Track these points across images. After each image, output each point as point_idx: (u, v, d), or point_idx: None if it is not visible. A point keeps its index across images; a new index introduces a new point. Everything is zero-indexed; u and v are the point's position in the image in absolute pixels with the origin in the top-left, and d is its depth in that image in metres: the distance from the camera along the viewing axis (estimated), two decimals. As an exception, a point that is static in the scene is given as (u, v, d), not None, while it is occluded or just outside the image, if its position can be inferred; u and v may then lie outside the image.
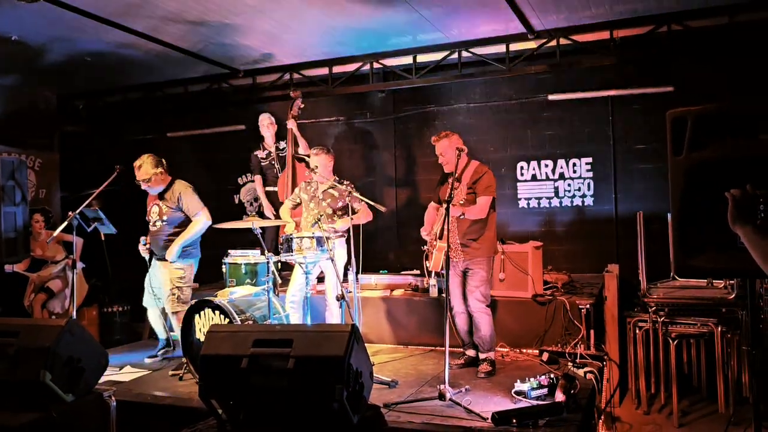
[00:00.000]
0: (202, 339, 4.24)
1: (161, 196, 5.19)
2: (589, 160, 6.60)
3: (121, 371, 4.88)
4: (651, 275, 5.34)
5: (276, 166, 6.65)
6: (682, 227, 2.81)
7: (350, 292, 4.39)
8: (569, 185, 6.65)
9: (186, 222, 5.11)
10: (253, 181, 7.98)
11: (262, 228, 4.34)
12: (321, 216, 4.39)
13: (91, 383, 3.37)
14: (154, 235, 5.19)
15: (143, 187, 5.13)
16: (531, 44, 6.41)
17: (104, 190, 5.12)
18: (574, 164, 6.64)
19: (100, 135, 8.50)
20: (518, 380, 3.73)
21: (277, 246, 4.37)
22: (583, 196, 6.61)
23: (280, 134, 6.82)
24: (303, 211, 5.04)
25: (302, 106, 6.53)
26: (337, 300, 3.78)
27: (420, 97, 7.28)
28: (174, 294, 4.99)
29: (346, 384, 2.55)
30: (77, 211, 4.71)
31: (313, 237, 4.20)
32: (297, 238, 4.22)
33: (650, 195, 6.27)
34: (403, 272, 6.53)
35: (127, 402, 3.87)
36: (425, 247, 4.70)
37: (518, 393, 3.72)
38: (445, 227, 3.92)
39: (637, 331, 4.95)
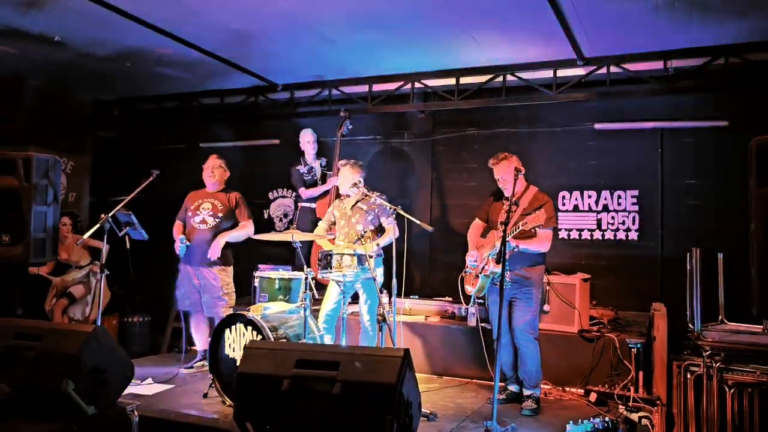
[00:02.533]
0: (231, 355, 4.04)
1: (216, 193, 5.39)
2: (635, 192, 6.34)
3: (143, 383, 4.67)
4: (693, 317, 5.04)
5: (319, 183, 6.58)
6: (765, 264, 2.54)
7: (390, 314, 4.15)
8: (613, 218, 6.38)
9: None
10: (284, 197, 7.88)
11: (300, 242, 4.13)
12: (363, 233, 4.18)
13: (114, 396, 3.17)
14: (201, 234, 5.24)
15: (204, 176, 5.42)
16: (579, 70, 6.20)
17: (133, 197, 5.00)
18: (619, 196, 6.38)
19: (132, 142, 8.43)
20: (570, 422, 3.45)
21: (309, 263, 4.19)
22: (627, 230, 6.33)
23: (320, 151, 6.70)
24: (337, 230, 4.84)
25: (350, 127, 6.53)
26: (379, 322, 3.55)
27: (461, 120, 7.09)
28: (225, 300, 5.11)
29: (397, 415, 2.32)
30: (110, 214, 4.56)
31: (354, 254, 3.98)
32: (337, 254, 4.01)
33: (699, 233, 5.97)
34: (435, 298, 6.29)
35: (149, 418, 3.65)
36: (467, 271, 4.46)
37: (571, 436, 3.43)
38: (504, 250, 3.65)
39: (688, 376, 4.62)
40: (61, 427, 2.82)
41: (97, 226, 4.49)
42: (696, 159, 6.10)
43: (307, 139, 6.68)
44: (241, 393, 2.54)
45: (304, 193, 6.59)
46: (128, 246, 7.06)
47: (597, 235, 6.42)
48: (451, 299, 6.35)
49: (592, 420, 3.42)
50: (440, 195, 7.19)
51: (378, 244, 4.39)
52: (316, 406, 2.39)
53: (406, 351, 2.44)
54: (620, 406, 4.07)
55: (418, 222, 4.12)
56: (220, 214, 5.30)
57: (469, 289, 4.43)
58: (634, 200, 6.33)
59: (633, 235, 6.31)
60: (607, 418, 3.45)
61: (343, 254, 4.00)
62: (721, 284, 5.24)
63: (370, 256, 3.96)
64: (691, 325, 4.99)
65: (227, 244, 5.34)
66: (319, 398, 2.39)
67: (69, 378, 2.89)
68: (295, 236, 4.03)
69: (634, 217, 6.31)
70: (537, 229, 3.97)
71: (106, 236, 4.58)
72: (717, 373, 4.45)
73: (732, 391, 4.42)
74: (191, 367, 5.28)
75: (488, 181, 6.89)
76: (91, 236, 4.74)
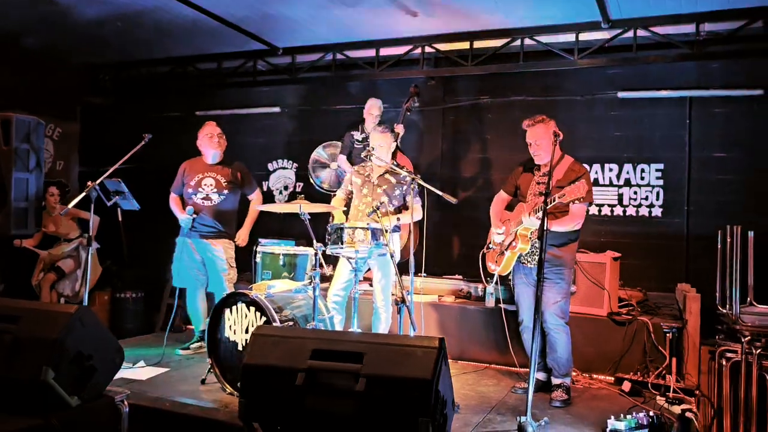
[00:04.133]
0: (232, 337, 3.68)
1: (216, 167, 5.10)
2: (660, 166, 5.95)
3: (135, 367, 4.30)
4: (725, 299, 4.71)
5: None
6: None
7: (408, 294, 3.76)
8: (635, 193, 6.01)
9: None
10: (284, 168, 7.48)
11: (310, 214, 3.73)
12: (380, 204, 3.79)
13: (101, 385, 2.81)
14: (204, 211, 4.99)
15: (206, 144, 5.10)
16: (604, 34, 5.76)
17: (124, 166, 4.58)
18: (643, 170, 6.00)
19: (124, 109, 7.95)
20: (612, 417, 3.10)
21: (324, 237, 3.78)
22: (651, 206, 5.96)
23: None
24: (354, 199, 4.43)
25: (417, 104, 6.13)
26: (396, 304, 3.18)
27: (474, 87, 6.68)
28: (230, 274, 4.90)
29: (432, 417, 1.96)
30: (97, 182, 4.15)
31: (368, 228, 3.60)
32: (349, 228, 3.62)
33: (728, 209, 5.61)
34: (444, 276, 5.94)
35: (141, 407, 3.29)
36: (490, 247, 4.08)
37: (615, 432, 3.09)
38: (544, 223, 3.24)
39: (724, 363, 4.29)
40: (40, 422, 2.46)
41: (83, 194, 4.08)
42: (727, 130, 5.72)
43: (374, 112, 6.05)
44: (248, 388, 2.17)
45: (343, 162, 6.09)
46: (120, 218, 6.75)
47: (618, 211, 6.06)
48: (461, 277, 6.01)
49: (635, 414, 3.08)
50: (450, 167, 6.80)
51: (399, 219, 4.01)
52: (335, 404, 2.03)
53: (441, 340, 2.07)
54: (658, 397, 3.74)
55: (441, 193, 3.72)
56: (226, 191, 5.04)
57: (493, 267, 4.05)
58: (659, 174, 5.95)
59: (657, 212, 5.95)
60: (651, 413, 3.11)
61: (356, 228, 3.61)
62: (751, 264, 4.89)
63: (387, 231, 3.56)
64: (721, 308, 4.65)
65: (234, 215, 5.15)
66: (339, 396, 2.03)
67: (49, 366, 2.53)
68: (303, 206, 3.63)
69: (658, 192, 5.94)
70: (571, 203, 3.58)
71: (93, 206, 4.16)
72: (757, 360, 4.13)
73: (774, 379, 4.10)
74: (187, 348, 4.96)
75: (503, 152, 6.57)
76: (76, 206, 4.33)
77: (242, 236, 5.12)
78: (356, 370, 2.03)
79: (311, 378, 2.07)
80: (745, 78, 5.61)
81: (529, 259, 3.92)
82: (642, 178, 5.99)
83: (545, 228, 3.20)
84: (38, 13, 5.88)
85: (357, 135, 6.05)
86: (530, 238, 3.83)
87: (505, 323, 4.20)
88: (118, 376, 3.73)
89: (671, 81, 5.87)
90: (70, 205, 4.21)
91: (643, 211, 5.98)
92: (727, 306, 4.61)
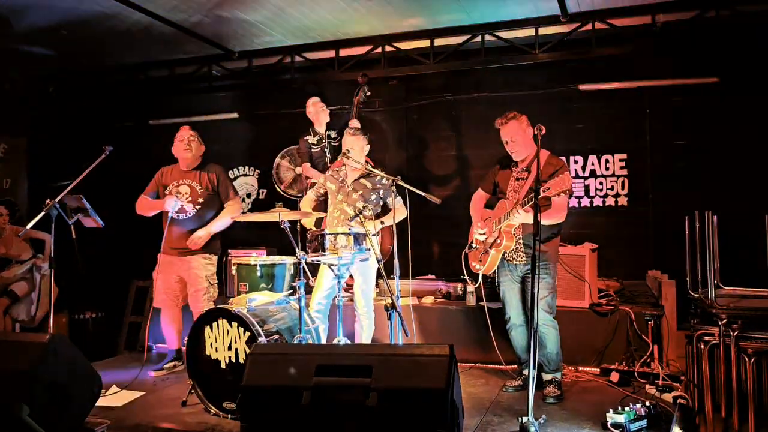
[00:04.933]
0: (213, 355, 3.51)
1: (192, 173, 4.75)
2: (623, 156, 6.04)
3: (108, 393, 4.06)
4: (696, 284, 4.80)
5: (327, 156, 5.83)
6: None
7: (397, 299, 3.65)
8: (601, 183, 6.08)
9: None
10: (246, 175, 7.29)
11: (290, 222, 3.59)
12: (363, 208, 3.68)
13: (79, 416, 2.62)
14: (180, 223, 4.62)
15: (177, 149, 4.76)
16: (563, 28, 5.81)
17: (72, 181, 4.32)
18: (607, 161, 6.08)
19: (74, 121, 7.59)
20: (610, 410, 3.09)
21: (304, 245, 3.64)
22: (617, 195, 6.04)
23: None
24: (329, 205, 4.30)
25: (369, 93, 5.83)
26: (387, 310, 3.09)
27: (436, 86, 6.63)
28: (209, 292, 4.56)
29: (449, 428, 1.88)
30: (57, 199, 3.89)
31: (350, 234, 3.49)
32: (330, 235, 3.50)
33: (690, 195, 5.72)
34: (418, 277, 5.88)
35: (121, 436, 3.10)
36: (473, 247, 4.03)
37: (616, 426, 3.08)
38: (538, 218, 3.19)
39: (702, 347, 4.35)
40: (17, 462, 2.27)
41: (42, 213, 3.82)
42: (685, 119, 5.83)
43: (317, 108, 5.89)
44: (249, 411, 2.04)
45: (307, 170, 5.84)
46: (74, 235, 6.42)
47: (585, 202, 6.12)
48: (434, 277, 5.96)
49: (632, 406, 3.07)
50: (417, 167, 6.74)
51: (382, 222, 3.91)
52: (346, 422, 1.93)
53: (451, 348, 1.99)
54: (647, 386, 3.76)
55: (423, 194, 3.64)
56: (201, 199, 4.67)
57: (477, 267, 3.99)
58: (623, 164, 6.04)
59: (623, 201, 6.03)
60: (647, 403, 3.11)
61: (338, 234, 3.49)
62: (716, 248, 5.00)
63: (373, 234, 3.46)
64: (693, 293, 4.73)
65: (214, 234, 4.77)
66: (350, 413, 1.93)
67: (22, 400, 2.33)
68: (282, 214, 3.49)
69: (623, 182, 6.03)
70: (554, 197, 3.56)
71: (53, 225, 3.91)
72: (735, 341, 4.20)
73: (752, 360, 4.17)
74: (161, 369, 4.71)
75: (470, 149, 6.55)
76: (34, 227, 4.07)
77: (197, 236, 4.56)
78: (366, 384, 1.93)
79: (318, 396, 1.96)
80: (700, 68, 5.72)
81: (515, 256, 3.89)
82: (607, 169, 6.06)
83: (539, 222, 3.15)
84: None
85: (310, 138, 5.93)
86: (514, 234, 3.80)
87: (489, 321, 4.15)
88: (91, 403, 3.54)
89: (629, 72, 5.95)
90: (29, 226, 3.94)
91: (610, 201, 6.06)
92: (700, 290, 4.69)
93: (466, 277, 4.13)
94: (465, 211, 6.44)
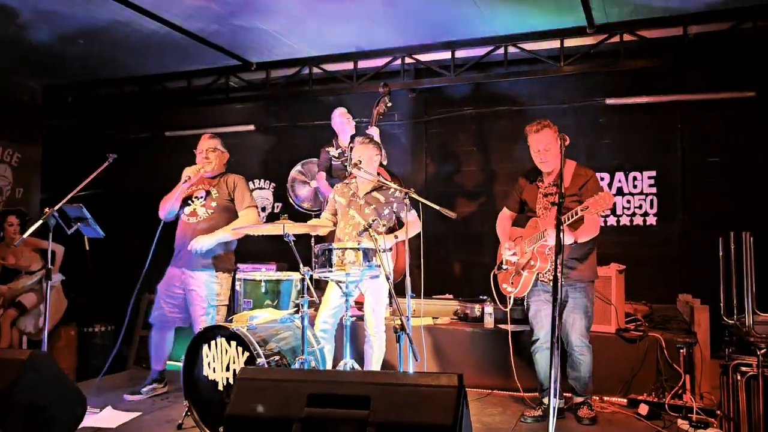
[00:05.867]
0: (211, 376, 3.31)
1: (213, 180, 4.45)
2: (652, 173, 5.76)
3: (101, 413, 3.86)
4: (731, 309, 4.49)
5: (348, 170, 5.63)
6: None
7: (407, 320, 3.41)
8: (629, 202, 5.80)
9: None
10: (261, 188, 7.15)
11: (295, 235, 3.39)
12: (372, 221, 3.47)
13: (61, 441, 2.43)
14: (189, 230, 4.28)
15: (199, 160, 4.40)
16: (589, 40, 5.58)
17: (90, 192, 4.19)
18: (635, 178, 5.80)
19: (90, 132, 7.54)
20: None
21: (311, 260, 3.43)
22: (645, 214, 5.75)
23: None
24: (339, 221, 4.10)
25: (390, 104, 5.52)
26: (396, 332, 2.86)
27: (457, 98, 6.44)
28: (209, 314, 4.13)
29: (456, 470, 1.64)
30: (56, 208, 3.74)
31: (359, 249, 3.27)
32: (338, 249, 3.29)
33: (725, 215, 5.41)
34: (434, 296, 5.65)
35: (110, 462, 2.90)
36: (504, 268, 3.79)
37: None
38: (561, 239, 2.95)
39: (739, 377, 4.03)
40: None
41: (40, 222, 3.67)
42: (719, 135, 5.55)
43: (343, 119, 5.62)
44: (233, 444, 1.83)
45: (320, 180, 5.61)
46: (87, 247, 6.33)
47: (611, 221, 5.83)
48: (451, 296, 5.73)
49: (665, 444, 2.80)
50: (436, 182, 6.53)
51: (396, 236, 3.70)
52: (340, 460, 1.70)
53: (460, 378, 1.76)
54: (680, 421, 3.46)
55: (438, 207, 3.42)
56: (214, 204, 4.32)
57: (509, 290, 3.75)
58: (652, 182, 5.76)
59: (651, 220, 5.74)
60: (681, 441, 2.83)
61: (346, 248, 3.29)
62: (752, 271, 4.68)
63: (383, 250, 3.25)
64: (727, 319, 4.42)
65: (227, 247, 4.37)
66: (344, 449, 1.70)
67: (-4, 423, 2.15)
68: (287, 227, 3.30)
69: (652, 201, 5.74)
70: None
71: (51, 235, 3.77)
72: (775, 373, 3.88)
73: (795, 394, 3.85)
74: (139, 393, 4.37)
75: (492, 165, 6.33)
76: (39, 236, 3.93)
77: (199, 239, 4.15)
78: (363, 418, 1.71)
79: (309, 429, 1.74)
80: (736, 80, 5.46)
81: (550, 277, 3.65)
82: (635, 186, 5.79)
83: (560, 238, 2.91)
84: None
85: (332, 151, 5.74)
86: (548, 255, 3.57)
87: (510, 346, 3.90)
88: (84, 424, 3.36)
89: (659, 86, 5.70)
90: (26, 235, 3.81)
91: (638, 220, 5.77)
92: (736, 316, 4.38)
93: (496, 299, 3.89)
94: (489, 229, 6.17)
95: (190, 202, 4.37)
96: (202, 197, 4.36)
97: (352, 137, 5.68)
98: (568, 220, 3.33)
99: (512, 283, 3.74)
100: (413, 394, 1.73)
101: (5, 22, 5.29)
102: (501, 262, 3.92)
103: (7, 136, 6.71)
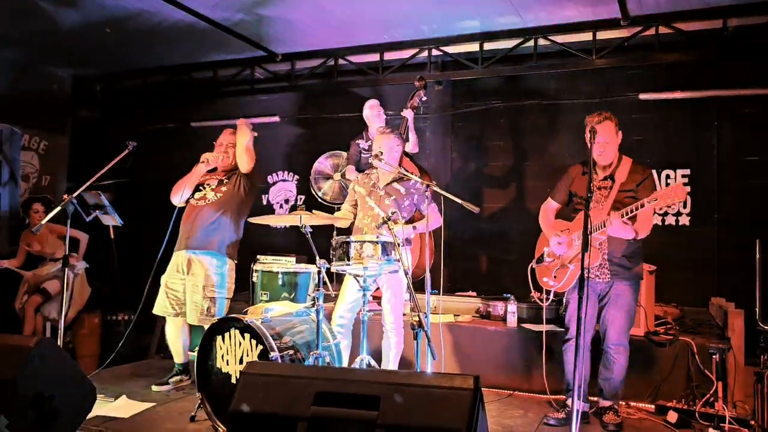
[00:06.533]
0: (224, 369, 3.26)
1: (228, 173, 4.39)
2: (686, 172, 5.55)
3: (116, 402, 3.84)
4: (765, 314, 4.29)
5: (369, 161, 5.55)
6: None
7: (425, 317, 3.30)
8: (661, 201, 5.59)
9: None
10: (285, 180, 7.10)
11: (316, 227, 3.31)
12: (392, 214, 3.37)
13: (68, 431, 2.39)
14: (197, 212, 4.21)
15: (221, 153, 4.34)
16: (623, 32, 5.39)
17: (116, 180, 4.17)
18: (668, 176, 5.60)
19: (116, 121, 7.58)
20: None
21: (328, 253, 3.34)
22: (678, 214, 5.55)
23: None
24: (358, 211, 4.01)
25: (425, 98, 5.41)
26: (413, 329, 2.76)
27: (484, 92, 6.30)
28: (205, 305, 4.05)
29: (469, 478, 1.54)
30: (74, 195, 3.72)
31: (377, 242, 3.18)
32: (356, 242, 3.20)
33: (761, 217, 5.19)
34: (456, 293, 5.54)
35: (120, 453, 2.86)
36: (546, 260, 3.68)
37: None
38: (587, 233, 2.86)
39: (774, 387, 3.85)
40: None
41: (58, 209, 3.66)
42: (758, 132, 5.31)
43: (374, 112, 5.50)
44: (236, 441, 1.75)
45: (351, 173, 5.51)
46: (112, 235, 6.35)
47: (642, 220, 5.63)
48: (474, 294, 5.60)
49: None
50: (461, 177, 6.39)
51: (414, 227, 3.59)
52: (346, 463, 1.61)
53: (476, 380, 1.66)
54: (711, 430, 3.30)
55: (461, 201, 3.31)
56: (224, 188, 4.28)
57: (551, 283, 3.64)
58: (686, 180, 5.55)
59: (684, 220, 5.54)
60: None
61: (364, 242, 3.19)
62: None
63: (399, 244, 3.14)
64: (763, 325, 4.22)
65: (233, 228, 4.24)
66: (351, 451, 1.61)
67: (1, 412, 2.11)
68: (304, 218, 3.22)
69: (685, 200, 5.53)
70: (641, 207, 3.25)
71: (69, 221, 3.75)
72: (814, 383, 3.69)
73: (834, 405, 3.66)
74: (166, 383, 4.32)
75: (520, 160, 6.17)
76: (56, 221, 3.91)
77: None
78: (372, 419, 1.62)
79: (315, 428, 1.66)
80: (776, 76, 5.22)
81: (598, 273, 3.55)
82: (668, 185, 5.57)
83: (588, 236, 2.78)
84: (20, 21, 5.54)
85: (362, 143, 5.65)
86: (599, 248, 3.47)
87: (543, 345, 3.79)
88: (97, 412, 3.34)
89: (696, 81, 5.48)
90: (44, 221, 3.80)
91: (670, 220, 5.57)
92: (770, 323, 4.20)
93: (533, 294, 3.78)
94: (518, 225, 6.10)
95: (201, 188, 4.34)
96: (213, 184, 4.33)
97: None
98: (630, 213, 3.28)
99: (555, 276, 3.63)
100: (426, 396, 1.64)
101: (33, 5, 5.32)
102: (541, 255, 3.82)
103: (35, 124, 6.76)
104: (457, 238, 6.04)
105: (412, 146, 5.43)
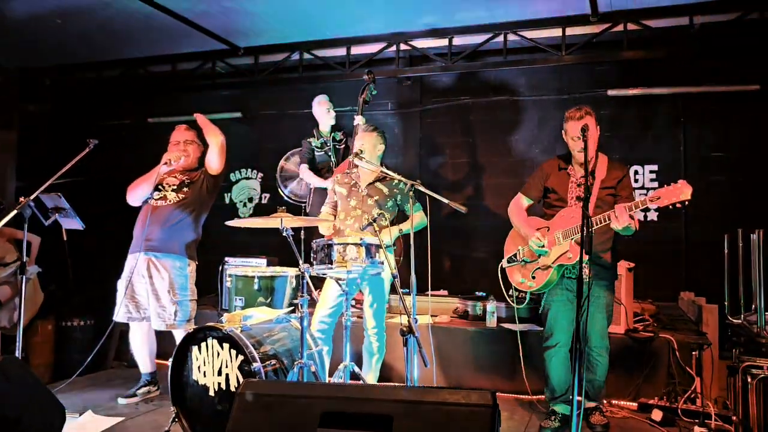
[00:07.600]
0: (201, 381, 3.08)
1: (188, 173, 4.23)
2: (654, 167, 5.62)
3: (81, 418, 3.60)
4: (734, 308, 4.37)
5: (332, 160, 5.43)
6: None
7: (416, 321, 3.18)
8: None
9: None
10: (248, 178, 6.89)
11: (293, 229, 3.15)
12: (377, 215, 3.25)
13: (35, 456, 2.19)
14: (157, 213, 4.02)
15: (176, 151, 4.15)
16: (592, 29, 5.40)
17: (68, 179, 3.90)
18: (636, 172, 5.65)
19: (68, 117, 7.22)
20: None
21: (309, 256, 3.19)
22: (646, 209, 5.60)
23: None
24: (339, 212, 3.86)
25: (375, 92, 5.23)
26: (403, 335, 2.64)
27: (453, 88, 6.23)
28: (171, 309, 3.90)
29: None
30: (32, 197, 3.47)
31: (361, 244, 3.05)
32: (339, 245, 3.07)
33: (728, 211, 5.29)
34: (432, 293, 5.45)
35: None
36: (524, 261, 3.58)
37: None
38: (589, 231, 2.80)
39: (749, 380, 3.89)
40: None
41: (14, 212, 3.41)
42: (723, 129, 5.41)
43: (324, 108, 5.45)
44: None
45: (304, 172, 5.43)
46: (65, 237, 6.03)
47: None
48: (447, 293, 5.54)
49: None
50: (431, 173, 6.32)
51: (401, 230, 3.48)
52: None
53: (493, 395, 1.56)
54: (696, 428, 3.30)
55: (447, 201, 3.21)
56: (186, 189, 4.13)
57: (528, 284, 3.53)
58: (653, 176, 5.62)
59: (652, 216, 5.59)
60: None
61: (347, 244, 3.06)
62: (762, 270, 4.56)
63: (384, 246, 3.03)
64: (732, 319, 4.29)
65: (193, 228, 4.12)
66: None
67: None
68: (285, 220, 3.07)
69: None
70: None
71: (26, 225, 3.49)
72: (788, 376, 3.74)
73: (809, 398, 3.72)
74: (134, 395, 4.11)
75: (487, 156, 6.12)
76: (13, 226, 3.65)
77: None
78: (384, 442, 1.49)
79: (322, 454, 1.53)
80: (740, 73, 5.31)
81: (575, 272, 3.46)
82: (636, 181, 5.63)
83: (590, 234, 2.72)
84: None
85: (313, 141, 5.52)
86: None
87: (520, 347, 3.72)
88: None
89: (663, 77, 5.55)
90: (-1, 224, 3.54)
91: (638, 215, 5.60)
92: (743, 316, 4.25)
93: (507, 296, 3.68)
94: (478, 222, 6.05)
95: (160, 188, 4.16)
96: (173, 184, 4.17)
97: (333, 127, 5.53)
98: (636, 208, 3.24)
99: (533, 277, 3.53)
100: (442, 414, 1.52)
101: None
102: (514, 254, 3.71)
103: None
104: (420, 236, 5.95)
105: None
